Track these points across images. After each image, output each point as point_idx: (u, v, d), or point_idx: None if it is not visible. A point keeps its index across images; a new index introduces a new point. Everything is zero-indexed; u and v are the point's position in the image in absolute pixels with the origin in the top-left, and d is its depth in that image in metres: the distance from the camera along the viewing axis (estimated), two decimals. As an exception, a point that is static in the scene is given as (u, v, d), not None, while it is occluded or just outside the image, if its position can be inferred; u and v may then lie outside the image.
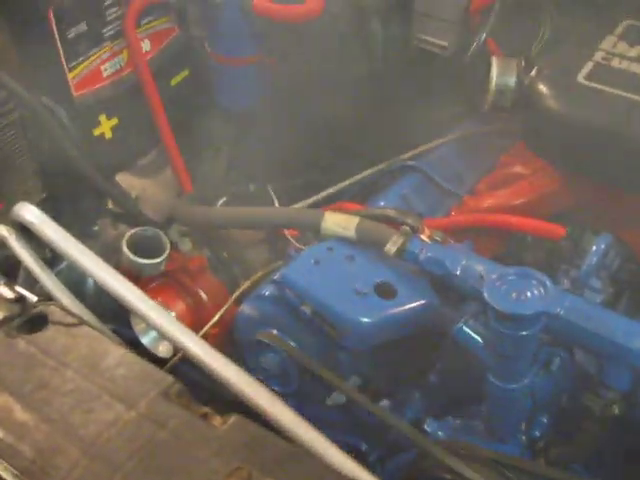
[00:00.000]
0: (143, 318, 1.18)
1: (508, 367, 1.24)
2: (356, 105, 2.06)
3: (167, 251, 1.63)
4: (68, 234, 1.32)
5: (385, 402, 1.67)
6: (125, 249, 1.60)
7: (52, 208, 1.95)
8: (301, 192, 2.08)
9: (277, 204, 1.64)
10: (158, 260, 1.61)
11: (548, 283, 1.15)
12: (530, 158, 1.80)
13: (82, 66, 1.84)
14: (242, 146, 2.17)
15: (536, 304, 1.14)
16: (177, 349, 1.22)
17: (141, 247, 1.65)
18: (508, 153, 1.93)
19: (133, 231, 1.64)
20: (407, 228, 1.48)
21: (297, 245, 1.71)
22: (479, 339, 1.29)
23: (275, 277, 1.54)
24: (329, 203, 1.85)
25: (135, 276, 1.67)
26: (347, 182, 1.86)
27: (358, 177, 1.88)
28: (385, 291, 1.43)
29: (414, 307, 1.42)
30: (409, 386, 1.68)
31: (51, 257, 2.06)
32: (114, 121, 1.95)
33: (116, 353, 1.01)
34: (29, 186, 1.91)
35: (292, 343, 1.50)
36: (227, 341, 1.71)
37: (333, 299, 1.40)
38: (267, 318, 1.52)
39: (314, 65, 1.96)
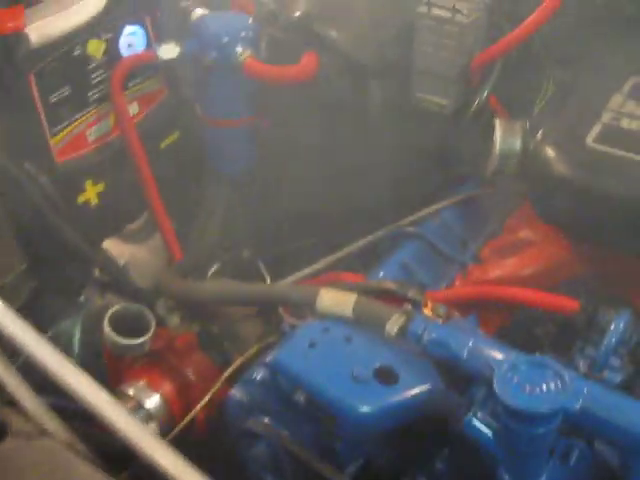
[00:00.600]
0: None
1: (522, 464, 1.12)
2: (352, 169, 1.98)
3: (152, 330, 1.52)
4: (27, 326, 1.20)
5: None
6: (107, 328, 1.50)
7: (35, 278, 1.87)
8: (297, 259, 1.98)
9: (268, 279, 1.53)
10: (141, 340, 1.50)
11: (566, 375, 1.04)
12: (538, 222, 1.70)
13: (66, 131, 1.76)
14: (235, 210, 2.08)
15: (553, 399, 1.02)
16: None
17: (125, 325, 1.54)
18: (514, 216, 1.83)
19: (115, 308, 1.53)
20: (409, 307, 1.38)
21: (291, 320, 1.60)
22: (489, 433, 1.17)
23: (267, 360, 1.43)
24: (326, 271, 1.76)
25: (118, 356, 1.56)
26: (344, 251, 1.76)
27: (356, 245, 1.78)
28: (386, 376, 1.32)
29: (418, 393, 1.30)
30: (414, 471, 1.56)
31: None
32: (100, 187, 1.87)
33: (82, 472, 0.90)
34: (10, 256, 1.81)
35: (285, 432, 1.38)
36: (218, 426, 1.59)
37: (329, 386, 1.28)
38: (258, 404, 1.40)
39: (309, 128, 1.88)
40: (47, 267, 1.88)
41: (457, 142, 1.99)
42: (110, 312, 1.52)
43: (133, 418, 1.05)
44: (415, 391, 1.30)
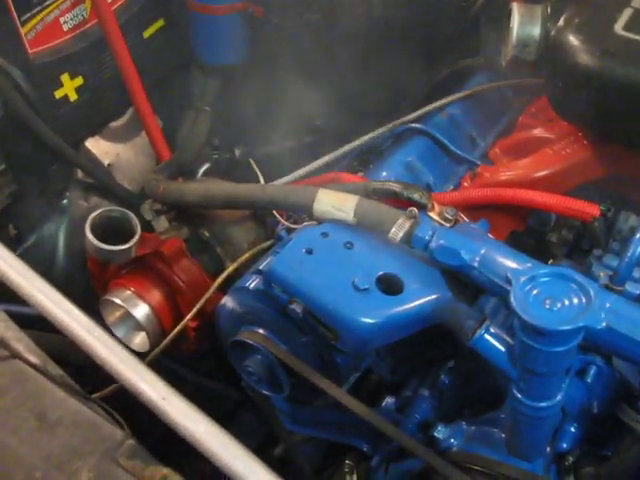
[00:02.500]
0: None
1: (538, 384, 1.04)
2: (355, 60, 1.83)
3: (137, 235, 1.41)
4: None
5: (389, 400, 1.50)
6: (89, 234, 1.38)
7: (14, 181, 1.74)
8: (292, 159, 1.86)
9: (261, 178, 1.40)
10: (127, 246, 1.39)
11: (591, 290, 0.94)
12: (554, 119, 1.57)
13: (37, 18, 1.60)
14: (226, 107, 1.93)
15: (576, 317, 0.92)
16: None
17: (108, 230, 1.43)
18: (528, 112, 1.70)
19: (97, 213, 1.41)
20: (415, 210, 1.26)
21: (287, 224, 1.49)
22: (502, 350, 1.08)
23: (261, 267, 1.33)
24: (323, 172, 1.63)
25: (103, 264, 1.46)
26: (345, 148, 1.63)
27: (357, 142, 1.64)
28: (389, 285, 1.22)
29: (423, 303, 1.20)
30: (417, 383, 1.50)
31: (16, 234, 1.86)
32: (79, 80, 1.73)
33: (56, 397, 0.81)
34: (-16, 157, 1.68)
35: (281, 344, 1.30)
36: (209, 335, 1.51)
37: (328, 296, 1.19)
38: (252, 315, 1.31)
39: (306, 16, 1.71)
40: (27, 169, 1.77)
41: (468, 29, 1.83)
42: (92, 217, 1.40)
43: (111, 339, 0.94)
44: (421, 301, 1.21)
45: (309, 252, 1.23)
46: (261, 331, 1.31)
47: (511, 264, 1.12)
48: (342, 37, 1.84)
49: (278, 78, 1.91)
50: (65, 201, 1.86)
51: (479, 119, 1.75)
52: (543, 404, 1.05)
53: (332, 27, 1.76)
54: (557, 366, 0.99)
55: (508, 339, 1.08)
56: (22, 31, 1.57)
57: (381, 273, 1.22)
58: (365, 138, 1.63)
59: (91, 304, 1.59)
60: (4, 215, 1.77)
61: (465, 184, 1.58)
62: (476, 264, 1.18)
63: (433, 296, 1.21)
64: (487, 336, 1.09)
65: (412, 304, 1.20)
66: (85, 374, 1.68)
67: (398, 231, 1.24)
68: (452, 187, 1.60)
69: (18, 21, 1.55)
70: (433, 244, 1.22)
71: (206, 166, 1.89)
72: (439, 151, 1.64)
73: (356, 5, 1.74)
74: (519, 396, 1.05)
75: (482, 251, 1.18)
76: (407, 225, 1.24)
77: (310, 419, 1.51)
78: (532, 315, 0.93)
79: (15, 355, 0.88)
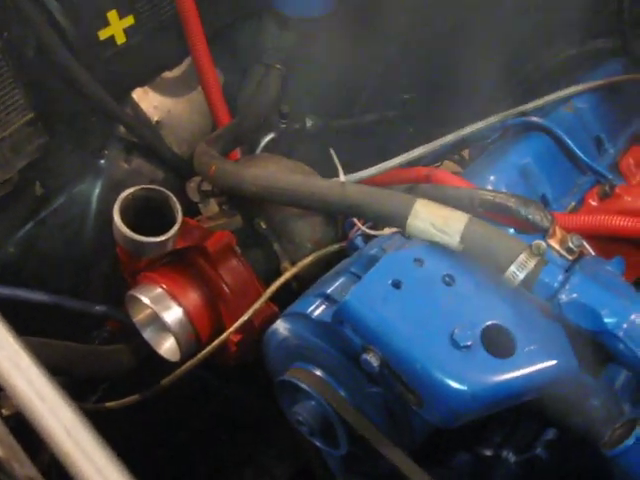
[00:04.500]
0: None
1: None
2: (459, 27, 1.50)
3: (177, 224, 1.13)
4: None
5: (464, 458, 1.21)
6: (118, 219, 1.10)
7: (45, 132, 1.47)
8: (372, 136, 1.55)
9: (341, 173, 1.09)
10: (163, 238, 1.11)
11: None
12: None
13: (84, -61, 1.30)
14: (303, 66, 1.61)
15: None
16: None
17: (143, 213, 1.15)
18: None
19: (129, 191, 1.13)
20: (543, 245, 0.95)
21: (364, 228, 1.19)
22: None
23: (330, 291, 1.04)
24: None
25: (132, 256, 1.18)
26: (443, 140, 1.30)
27: (457, 133, 1.32)
28: (497, 341, 0.92)
29: (538, 371, 0.90)
30: (500, 439, 1.21)
31: (43, 193, 1.60)
32: (129, 20, 1.43)
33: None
34: (11, 101, 1.40)
35: (340, 389, 1.02)
36: (253, 349, 1.24)
37: (417, 351, 0.90)
38: (309, 351, 1.03)
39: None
40: (60, 120, 1.50)
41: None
42: (123, 197, 1.12)
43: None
44: (536, 367, 0.91)
45: (396, 285, 0.94)
46: (318, 372, 1.03)
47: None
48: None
49: (365, 40, 1.59)
50: (102, 160, 1.59)
51: (610, 118, 1.42)
52: None
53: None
54: None
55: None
56: (61, -47, 1.28)
57: (488, 323, 0.92)
58: (471, 129, 1.31)
59: (120, 284, 1.35)
60: (31, 170, 1.50)
61: (592, 202, 1.26)
62: (621, 334, 0.87)
63: (552, 362, 0.91)
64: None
65: (524, 371, 0.90)
66: (90, 385, 1.45)
67: (519, 272, 0.93)
68: (574, 203, 1.27)
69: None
70: (563, 297, 0.92)
71: (270, 136, 1.60)
72: (560, 155, 1.32)
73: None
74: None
75: (632, 316, 0.87)
76: (531, 265, 0.93)
77: (365, 471, 1.24)
78: None
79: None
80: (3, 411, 0.91)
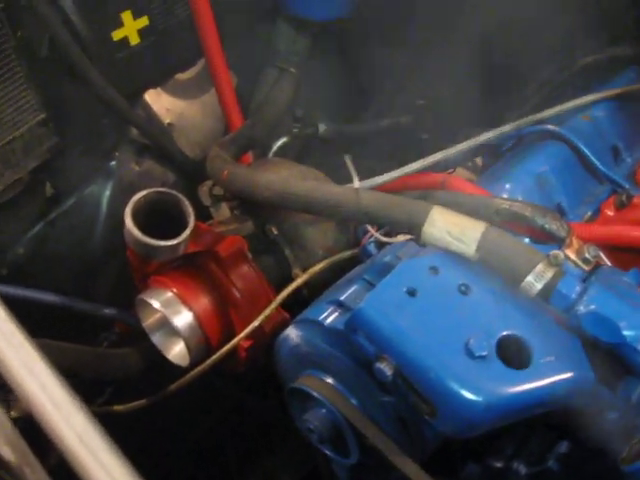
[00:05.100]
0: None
1: None
2: (478, 34, 1.49)
3: (189, 228, 1.12)
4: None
5: (473, 469, 1.19)
6: (129, 221, 1.09)
7: (57, 133, 1.46)
8: (385, 143, 1.54)
9: (356, 179, 1.08)
10: (174, 242, 1.10)
11: None
12: None
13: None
14: (315, 71, 1.60)
15: None
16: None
17: (154, 216, 1.14)
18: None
19: (142, 194, 1.12)
20: (561, 255, 0.94)
21: (377, 235, 1.18)
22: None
23: (343, 297, 1.02)
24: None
25: (143, 259, 1.17)
26: (458, 147, 1.29)
27: (475, 140, 1.31)
28: (512, 352, 0.90)
29: (554, 383, 0.89)
30: (511, 451, 1.19)
31: (53, 194, 1.60)
32: (143, 21, 1.42)
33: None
34: (23, 101, 1.40)
35: (352, 397, 1.00)
36: (263, 355, 1.23)
37: (431, 360, 0.88)
38: (321, 358, 1.02)
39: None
40: (72, 121, 1.50)
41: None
42: (135, 199, 1.11)
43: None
44: (552, 379, 0.89)
45: (411, 293, 0.92)
46: (329, 380, 1.01)
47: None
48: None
49: (380, 43, 1.58)
50: (113, 162, 1.58)
51: (628, 127, 1.40)
52: None
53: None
54: None
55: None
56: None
57: (504, 334, 0.91)
58: (487, 136, 1.29)
59: (130, 287, 1.33)
60: (41, 171, 1.49)
61: (608, 212, 1.24)
62: (640, 347, 0.85)
63: (568, 374, 0.90)
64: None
65: (539, 383, 0.89)
66: (98, 388, 1.44)
67: (536, 282, 0.92)
68: (590, 212, 1.26)
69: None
70: (581, 308, 0.90)
71: (283, 140, 1.58)
72: (577, 164, 1.31)
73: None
74: None
75: (652, 328, 0.85)
76: (549, 275, 0.92)
77: (374, 478, 1.22)
78: None
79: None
80: (12, 413, 0.90)
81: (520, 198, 1.19)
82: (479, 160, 1.68)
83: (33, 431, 0.68)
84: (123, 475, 0.56)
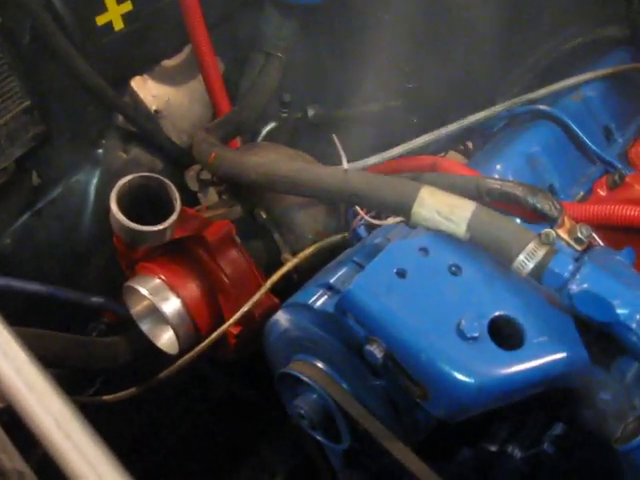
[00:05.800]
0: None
1: None
2: (465, 15, 1.47)
3: (176, 213, 1.10)
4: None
5: (467, 454, 1.18)
6: (114, 206, 1.07)
7: (42, 121, 1.44)
8: (375, 127, 1.52)
9: (345, 160, 1.07)
10: (160, 227, 1.08)
11: None
12: None
13: None
14: (302, 55, 1.58)
15: None
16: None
17: (140, 201, 1.12)
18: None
19: (126, 179, 1.10)
20: (552, 233, 0.92)
21: (367, 217, 1.16)
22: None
23: (333, 280, 1.01)
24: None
25: (130, 245, 1.16)
26: (447, 128, 1.27)
27: (462, 122, 1.29)
28: (505, 332, 0.89)
29: (547, 363, 0.88)
30: (506, 434, 1.18)
31: (40, 184, 1.57)
32: (127, 6, 1.39)
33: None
34: (7, 88, 1.38)
35: (342, 382, 0.99)
36: (253, 341, 1.21)
37: (422, 342, 0.87)
38: (311, 342, 1.00)
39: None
40: (57, 108, 1.47)
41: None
42: (120, 184, 1.09)
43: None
44: (545, 360, 0.88)
45: (401, 274, 0.91)
46: (320, 364, 1.00)
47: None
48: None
49: (368, 26, 1.56)
50: (100, 150, 1.56)
51: (619, 107, 1.39)
52: None
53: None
54: None
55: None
56: (60, -64, 1.25)
57: (496, 314, 0.89)
58: (477, 117, 1.28)
59: (118, 276, 1.32)
60: (27, 160, 1.47)
61: (600, 192, 1.23)
62: (634, 325, 0.84)
63: (561, 355, 0.89)
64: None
65: (532, 363, 0.88)
66: (86, 376, 1.43)
67: (527, 261, 0.90)
68: (582, 193, 1.25)
69: None
70: (574, 287, 0.88)
71: (271, 125, 1.57)
72: (569, 144, 1.29)
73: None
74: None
75: (645, 306, 0.84)
76: (540, 254, 0.90)
77: (367, 465, 1.21)
78: None
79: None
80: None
81: (511, 179, 1.18)
82: (470, 144, 1.67)
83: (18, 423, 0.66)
84: (101, 460, 0.54)
